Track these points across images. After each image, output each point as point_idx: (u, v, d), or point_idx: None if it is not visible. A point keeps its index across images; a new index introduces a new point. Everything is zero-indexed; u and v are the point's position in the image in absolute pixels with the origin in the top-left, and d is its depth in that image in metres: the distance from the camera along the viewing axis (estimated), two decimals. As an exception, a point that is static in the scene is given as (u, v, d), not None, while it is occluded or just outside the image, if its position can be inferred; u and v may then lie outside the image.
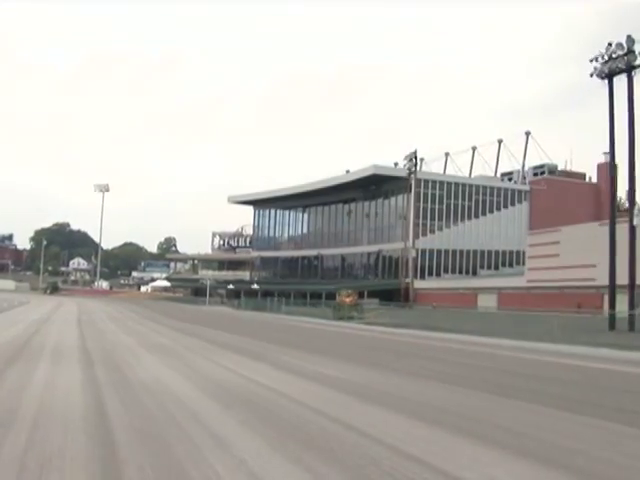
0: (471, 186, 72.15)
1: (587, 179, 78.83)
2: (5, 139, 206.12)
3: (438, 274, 69.15)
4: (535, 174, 77.22)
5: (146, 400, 7.59)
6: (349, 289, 41.26)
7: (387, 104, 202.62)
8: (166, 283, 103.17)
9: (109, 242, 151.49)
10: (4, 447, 5.04)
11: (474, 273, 69.06)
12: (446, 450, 5.43)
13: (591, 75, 28.46)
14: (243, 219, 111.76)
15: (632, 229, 28.28)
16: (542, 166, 76.69)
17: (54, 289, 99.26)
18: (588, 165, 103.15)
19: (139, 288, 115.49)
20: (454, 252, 70.08)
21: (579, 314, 38.16)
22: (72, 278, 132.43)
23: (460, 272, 69.28)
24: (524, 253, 67.90)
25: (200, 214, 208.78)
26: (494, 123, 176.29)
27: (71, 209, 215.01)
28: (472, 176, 75.92)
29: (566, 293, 46.37)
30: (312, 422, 6.50)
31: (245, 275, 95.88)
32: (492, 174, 76.56)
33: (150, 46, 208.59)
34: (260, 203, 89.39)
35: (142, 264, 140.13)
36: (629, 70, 27.70)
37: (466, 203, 71.37)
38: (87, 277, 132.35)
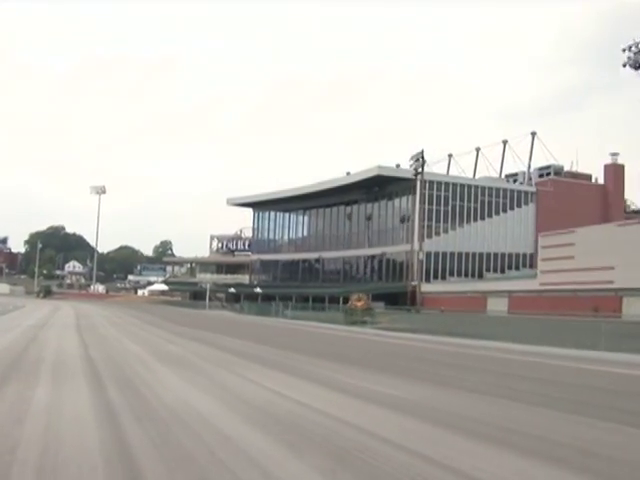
0: (477, 187, 70.55)
1: (593, 180, 77.61)
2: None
3: (444, 277, 67.45)
4: (541, 175, 75.71)
5: (183, 438, 5.72)
6: (360, 292, 39.40)
7: (387, 105, 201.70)
8: (163, 287, 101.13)
9: (105, 245, 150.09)
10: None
11: (480, 276, 67.34)
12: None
13: (624, 65, 27.02)
14: (241, 222, 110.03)
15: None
16: (548, 167, 75.27)
17: (47, 293, 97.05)
18: (594, 166, 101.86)
19: (136, 292, 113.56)
20: (460, 255, 68.38)
21: (596, 317, 36.52)
22: (68, 282, 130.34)
23: (466, 275, 67.57)
24: (531, 255, 66.54)
25: (198, 217, 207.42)
26: (496, 124, 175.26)
27: (66, 212, 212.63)
28: (476, 177, 74.41)
29: (580, 296, 44.78)
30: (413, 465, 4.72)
31: (244, 279, 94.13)
32: (496, 175, 75.07)
33: (148, 48, 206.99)
34: (260, 205, 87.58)
35: (138, 267, 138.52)
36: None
37: (472, 205, 69.77)
38: (83, 280, 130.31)
